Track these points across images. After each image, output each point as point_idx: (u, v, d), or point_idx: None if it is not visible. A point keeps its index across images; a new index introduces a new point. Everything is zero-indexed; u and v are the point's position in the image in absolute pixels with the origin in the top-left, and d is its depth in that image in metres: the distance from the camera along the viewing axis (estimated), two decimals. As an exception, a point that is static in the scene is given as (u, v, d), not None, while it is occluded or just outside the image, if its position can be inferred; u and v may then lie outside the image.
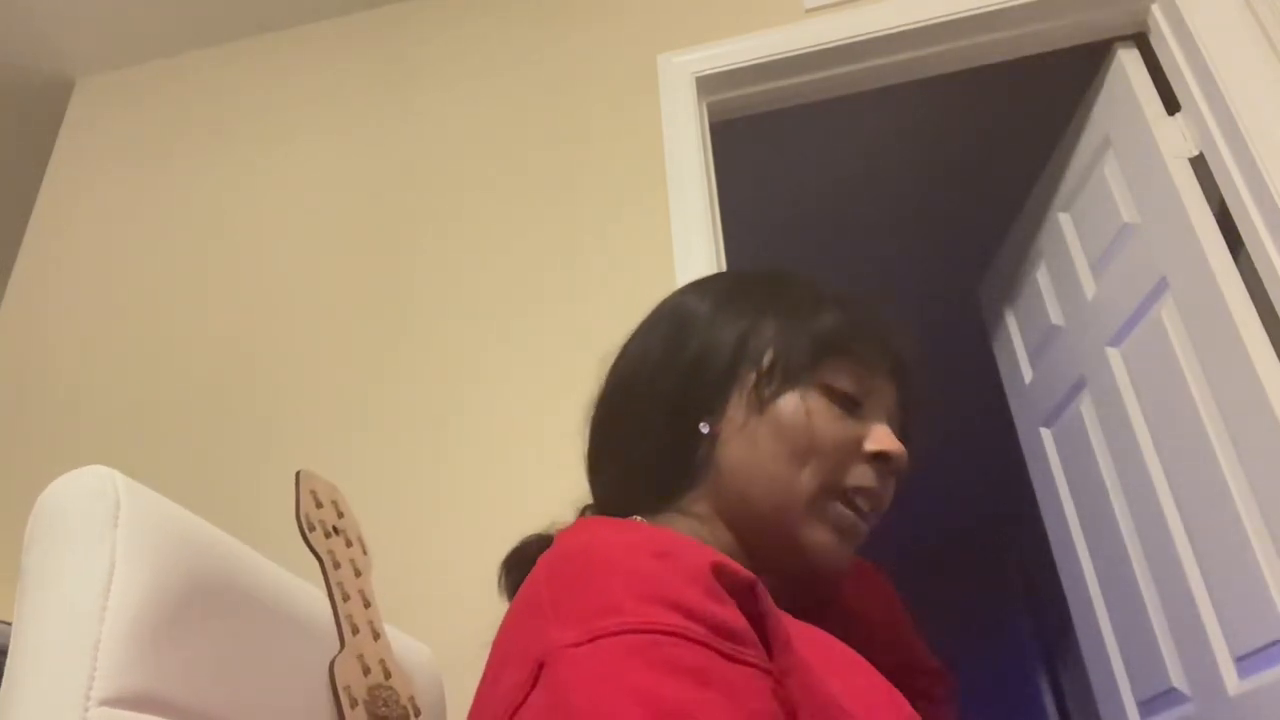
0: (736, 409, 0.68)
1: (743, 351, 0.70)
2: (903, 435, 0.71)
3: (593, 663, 0.48)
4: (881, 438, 0.69)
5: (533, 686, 0.50)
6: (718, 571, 0.53)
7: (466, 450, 1.47)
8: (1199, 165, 1.51)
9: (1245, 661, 1.37)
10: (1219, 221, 1.47)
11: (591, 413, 0.78)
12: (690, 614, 0.50)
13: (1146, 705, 1.64)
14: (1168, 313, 1.54)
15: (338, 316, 1.65)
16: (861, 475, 0.68)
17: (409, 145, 1.80)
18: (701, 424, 0.68)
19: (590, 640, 0.49)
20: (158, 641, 0.57)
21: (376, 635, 0.76)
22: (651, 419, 0.70)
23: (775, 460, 0.66)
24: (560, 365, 1.47)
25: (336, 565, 0.74)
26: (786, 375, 0.68)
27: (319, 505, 0.76)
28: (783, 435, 0.66)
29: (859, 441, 0.69)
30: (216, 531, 0.67)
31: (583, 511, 0.78)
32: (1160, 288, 1.56)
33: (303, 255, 1.74)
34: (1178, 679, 1.52)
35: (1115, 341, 1.70)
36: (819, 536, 0.67)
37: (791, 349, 0.69)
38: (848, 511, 0.68)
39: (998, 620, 4.50)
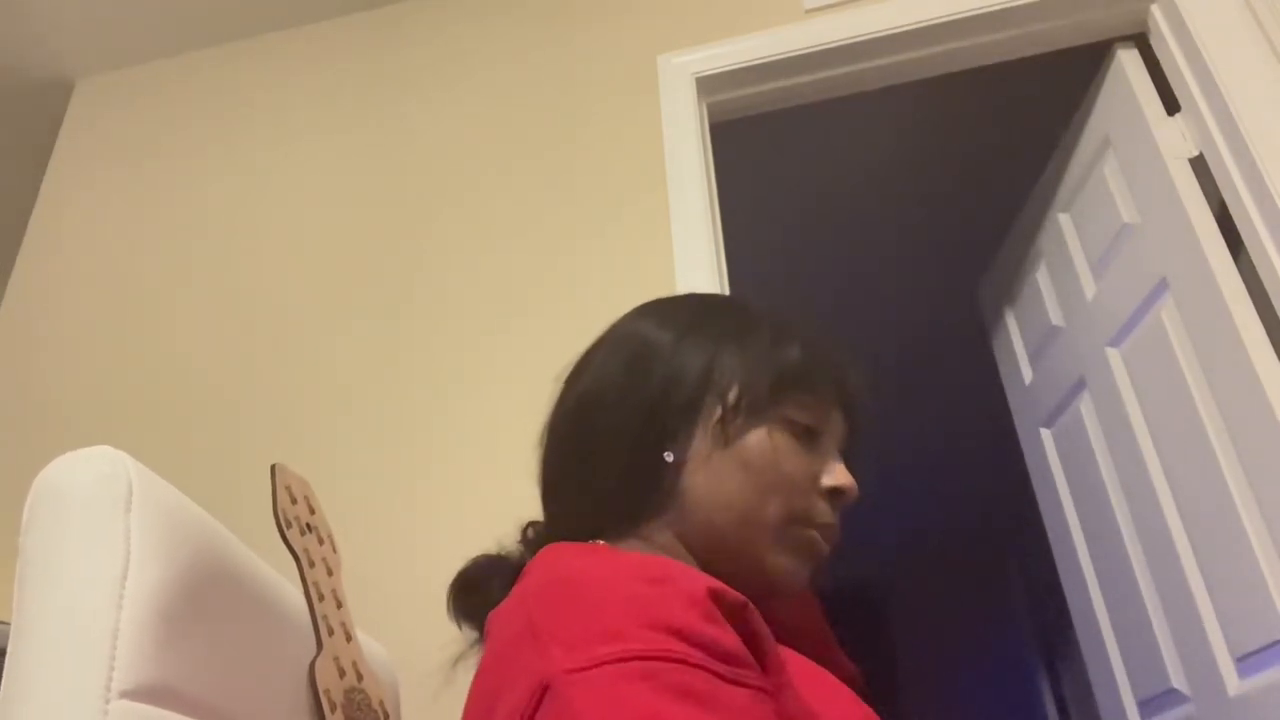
0: (701, 440, 0.70)
1: (707, 383, 0.71)
2: (848, 466, 0.74)
3: (599, 687, 0.49)
4: (839, 474, 0.72)
5: (535, 710, 0.50)
6: (714, 596, 0.55)
7: (467, 450, 1.47)
8: (1199, 165, 1.51)
9: (1245, 661, 1.37)
10: (1219, 222, 1.47)
11: (546, 435, 0.78)
12: (691, 639, 0.51)
13: (1146, 705, 1.63)
14: (1168, 313, 1.54)
15: (336, 316, 1.65)
16: (820, 509, 0.71)
17: (408, 145, 1.80)
18: (666, 453, 0.70)
19: (595, 666, 0.49)
20: (171, 633, 0.56)
21: (348, 637, 0.76)
22: (615, 446, 0.71)
23: (742, 492, 0.68)
24: (560, 365, 1.47)
25: (311, 564, 0.74)
26: (752, 409, 0.70)
27: (293, 501, 0.76)
28: (749, 469, 0.69)
29: (817, 476, 0.71)
30: (215, 522, 0.67)
31: (525, 529, 0.78)
32: (1160, 288, 1.56)
33: (302, 254, 1.74)
34: (1178, 679, 1.52)
35: (1115, 342, 1.70)
36: (783, 563, 0.69)
37: (756, 383, 0.71)
38: (807, 536, 0.71)
39: (998, 620, 4.50)
